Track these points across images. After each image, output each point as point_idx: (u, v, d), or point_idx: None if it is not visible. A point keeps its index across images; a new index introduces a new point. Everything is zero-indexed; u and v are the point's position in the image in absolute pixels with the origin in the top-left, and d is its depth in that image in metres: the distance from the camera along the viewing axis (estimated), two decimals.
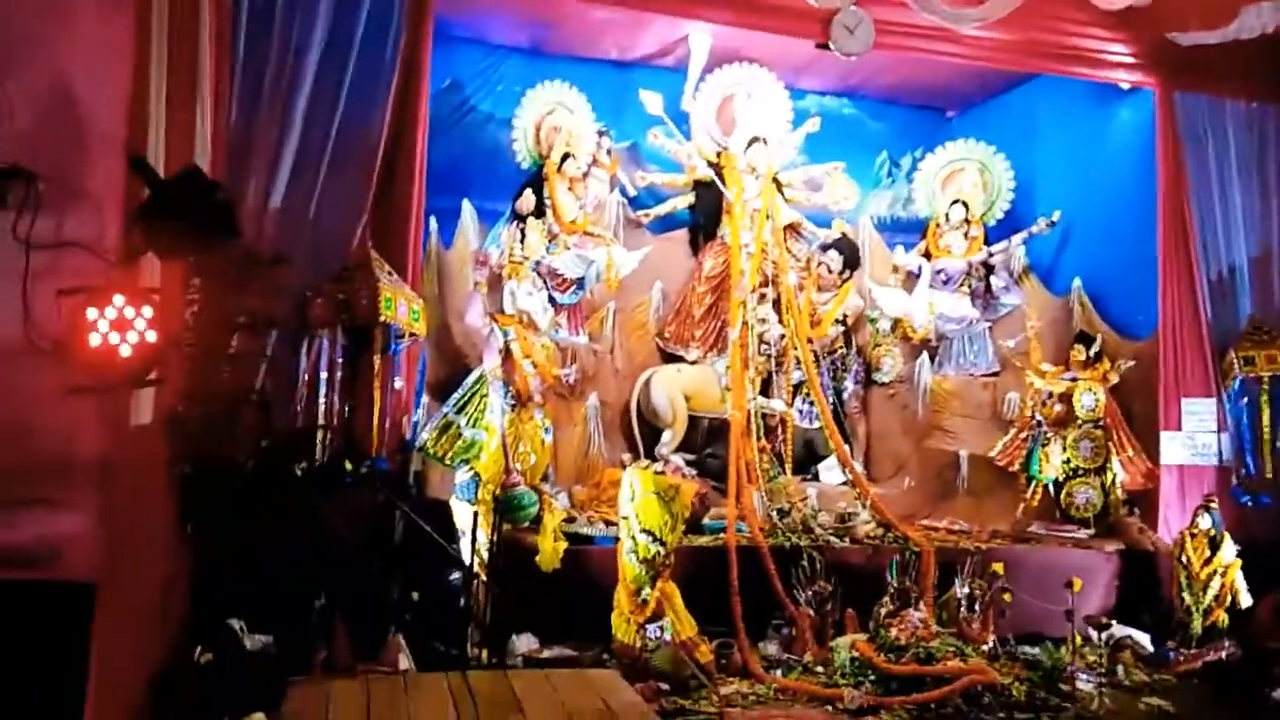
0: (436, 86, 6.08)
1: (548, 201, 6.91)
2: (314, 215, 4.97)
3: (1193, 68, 6.81)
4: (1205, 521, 5.89)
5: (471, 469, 5.62)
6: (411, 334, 5.19)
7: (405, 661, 4.30)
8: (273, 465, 3.97)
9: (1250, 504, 6.54)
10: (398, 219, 5.41)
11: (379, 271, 4.96)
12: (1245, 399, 6.70)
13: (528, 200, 6.75)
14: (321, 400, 4.79)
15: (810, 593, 5.46)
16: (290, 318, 4.76)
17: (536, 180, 6.92)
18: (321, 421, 4.75)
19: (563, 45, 7.20)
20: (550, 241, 6.82)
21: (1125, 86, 7.16)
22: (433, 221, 6.37)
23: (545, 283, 6.71)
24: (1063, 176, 7.94)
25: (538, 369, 6.00)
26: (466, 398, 5.75)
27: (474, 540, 4.99)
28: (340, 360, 4.89)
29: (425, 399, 5.73)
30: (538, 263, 6.57)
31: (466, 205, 6.83)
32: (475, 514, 5.23)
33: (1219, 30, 6.46)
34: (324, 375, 4.85)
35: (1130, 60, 6.89)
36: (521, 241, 6.31)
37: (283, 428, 4.55)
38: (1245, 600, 5.82)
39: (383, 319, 4.87)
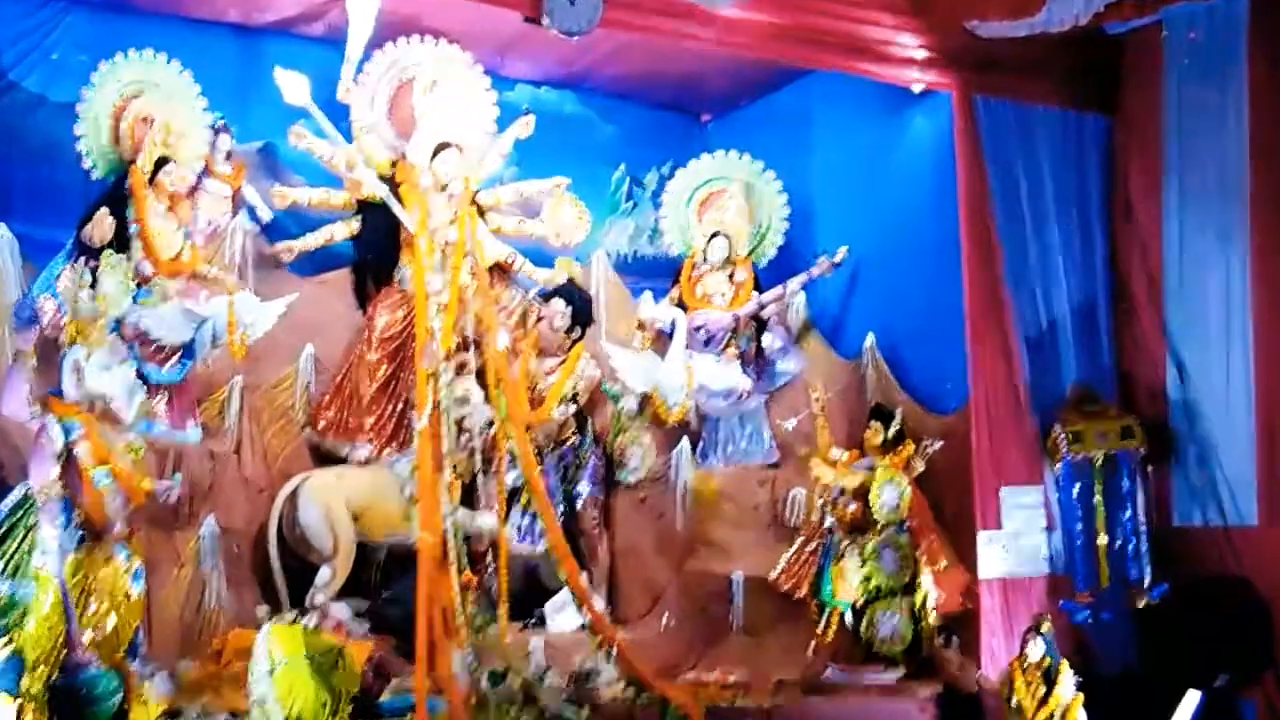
0: None
1: (134, 228, 6.68)
2: None
3: (996, 66, 7.69)
4: (1036, 649, 6.49)
5: (10, 643, 5.16)
6: None
7: None
8: None
9: (1089, 621, 7.32)
10: None
11: None
12: (1076, 485, 7.51)
13: (103, 226, 6.51)
14: None
15: None
16: None
17: (117, 196, 6.69)
18: None
19: None
20: (140, 288, 6.55)
21: (918, 89, 7.94)
22: None
23: (132, 350, 6.35)
24: (847, 202, 8.67)
25: (120, 483, 5.64)
26: (2, 532, 5.36)
27: None
28: None
29: None
30: (119, 321, 6.22)
31: (3, 232, 6.46)
32: (18, 713, 4.78)
33: (1025, 20, 7.23)
34: None
35: (922, 55, 7.66)
36: (93, 288, 5.94)
37: None
38: None
39: None
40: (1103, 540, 7.44)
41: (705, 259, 8.34)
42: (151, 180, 6.77)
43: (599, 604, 7.16)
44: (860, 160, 8.64)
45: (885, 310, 8.37)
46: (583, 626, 6.96)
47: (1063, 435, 7.55)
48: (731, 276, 8.36)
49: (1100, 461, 7.50)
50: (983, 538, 7.34)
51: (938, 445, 7.43)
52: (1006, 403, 7.58)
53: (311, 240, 7.51)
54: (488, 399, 7.23)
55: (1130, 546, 7.45)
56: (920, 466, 7.43)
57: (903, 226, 8.26)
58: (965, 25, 7.46)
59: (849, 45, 7.52)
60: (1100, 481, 7.51)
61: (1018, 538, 7.47)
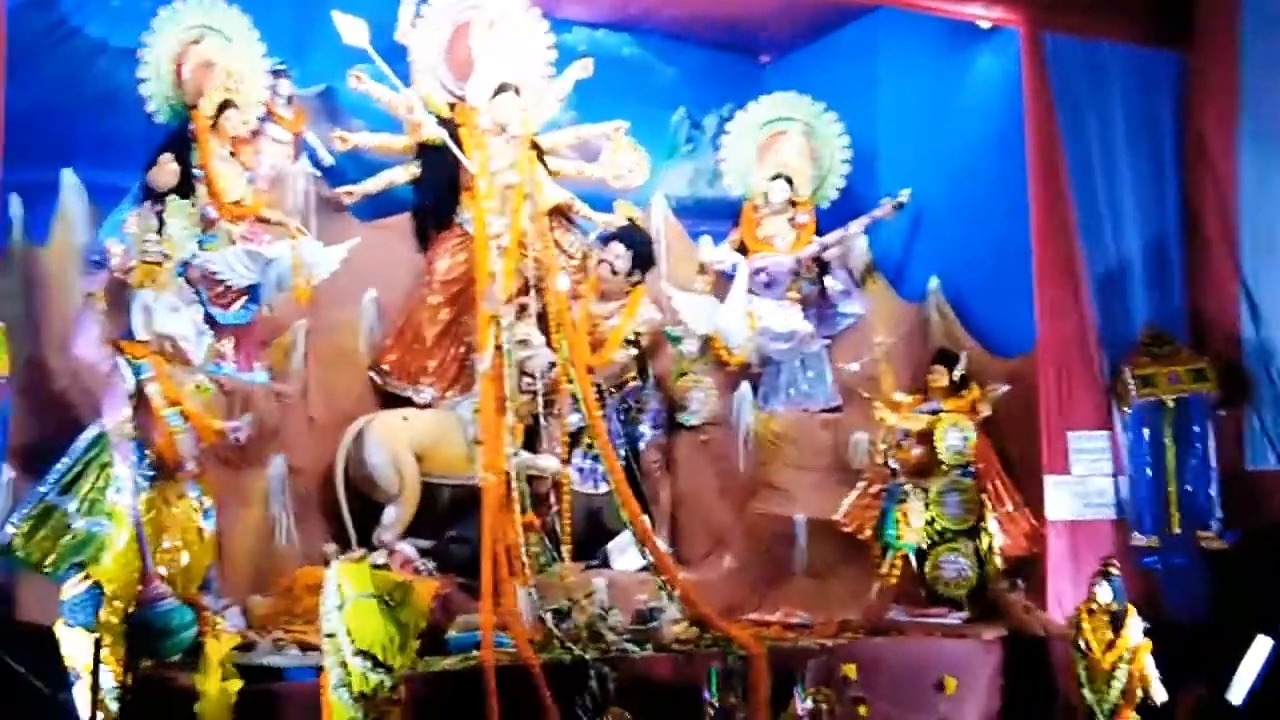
0: (14, 1, 5.82)
1: (198, 173, 6.76)
2: None
3: (1065, 1, 7.57)
4: (1105, 593, 6.45)
5: (88, 577, 5.23)
6: None
7: None
8: None
9: (1158, 567, 7.28)
10: None
11: None
12: (1146, 430, 7.45)
13: (167, 170, 6.58)
14: None
15: None
16: None
17: (180, 141, 6.76)
18: None
19: None
20: (205, 232, 6.66)
21: (985, 25, 7.85)
22: (14, 202, 6.16)
23: (199, 294, 6.49)
24: (911, 143, 8.59)
25: (190, 423, 5.78)
26: (78, 470, 5.53)
27: (95, 685, 4.70)
28: None
29: (8, 473, 5.51)
30: (186, 264, 6.35)
31: (69, 178, 6.55)
32: (96, 644, 4.92)
33: None
34: None
35: None
36: (159, 231, 6.06)
37: None
38: (1159, 694, 6.39)
39: None
40: (1173, 485, 7.37)
41: (766, 201, 8.33)
42: (214, 125, 6.85)
43: (662, 544, 7.26)
44: (924, 100, 8.56)
45: (950, 252, 8.32)
46: (645, 567, 7.07)
47: (1132, 378, 7.45)
48: (792, 219, 8.34)
49: (1171, 405, 7.42)
50: (1049, 481, 7.30)
51: (1004, 389, 7.37)
52: (1074, 345, 7.50)
53: (372, 184, 7.58)
54: (549, 342, 7.33)
55: (1201, 491, 7.36)
56: (986, 410, 7.38)
57: (968, 167, 8.19)
58: None
59: None
60: (1171, 425, 7.42)
61: (1085, 482, 7.42)
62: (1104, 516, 7.42)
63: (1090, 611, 6.47)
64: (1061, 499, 7.32)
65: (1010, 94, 7.77)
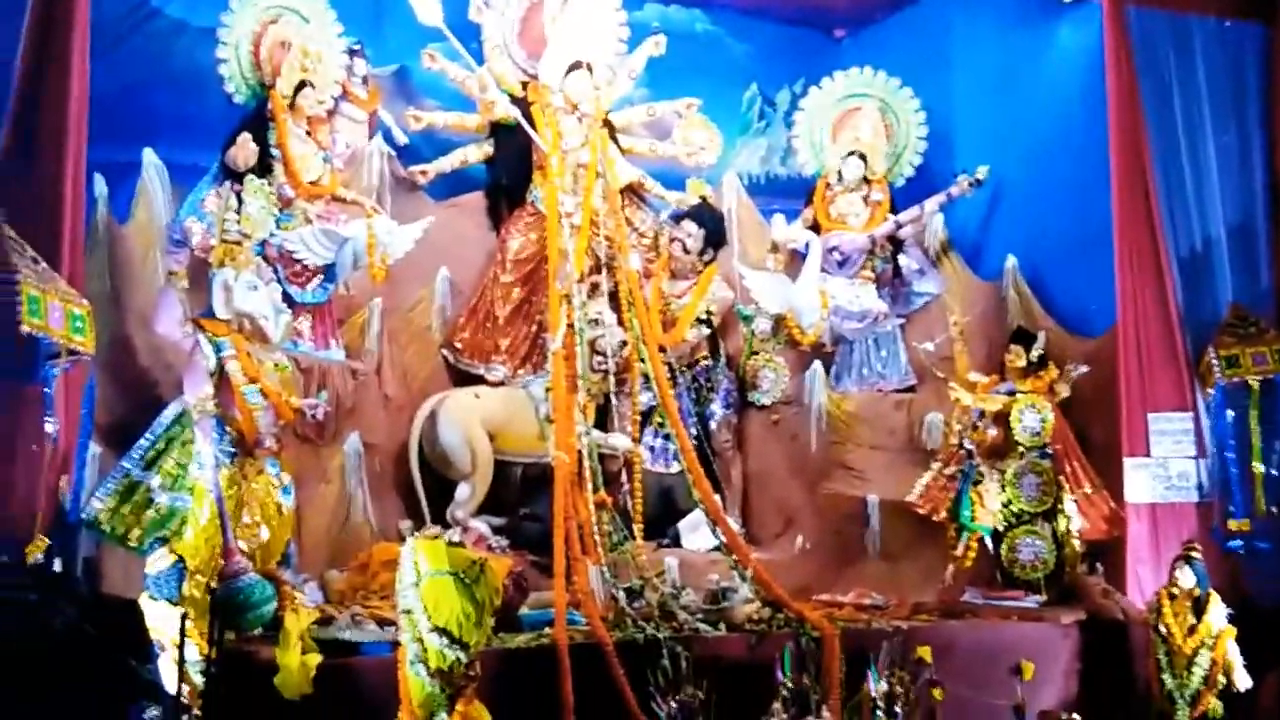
0: None
1: (276, 152, 6.84)
2: None
3: None
4: (1187, 578, 6.35)
5: (171, 551, 5.41)
6: (71, 352, 5.07)
7: None
8: None
9: (1242, 551, 7.15)
10: (44, 179, 5.31)
11: (16, 258, 4.85)
12: (1230, 411, 7.32)
13: (246, 150, 6.66)
14: None
15: (675, 703, 5.52)
16: None
17: (258, 121, 6.85)
18: None
19: None
20: (282, 211, 6.73)
21: None
22: (99, 182, 6.21)
23: (276, 272, 6.58)
24: (988, 119, 8.49)
25: (269, 400, 5.85)
26: (160, 446, 5.57)
27: (181, 658, 4.80)
28: None
29: (95, 449, 5.58)
30: (264, 243, 6.44)
31: (150, 157, 6.66)
32: (182, 618, 5.03)
33: None
34: None
35: None
36: (238, 211, 6.14)
37: None
38: (1243, 681, 6.30)
39: (25, 329, 4.76)
40: (1259, 468, 7.24)
41: (840, 179, 8.29)
42: (291, 104, 6.93)
43: (734, 524, 7.27)
44: (1003, 75, 8.46)
45: (1028, 231, 8.24)
46: (716, 546, 7.08)
47: (1217, 359, 7.31)
48: (866, 197, 8.30)
49: (1257, 386, 7.28)
50: (1129, 464, 7.20)
51: (1083, 369, 7.28)
52: (1157, 325, 7.37)
53: (445, 163, 7.65)
54: (620, 321, 7.35)
55: None
56: (1064, 391, 7.30)
57: (1047, 143, 8.09)
58: None
59: None
60: (1257, 407, 7.29)
61: (1166, 464, 7.30)
62: (1186, 499, 7.30)
63: (1172, 596, 6.39)
64: (1142, 481, 7.22)
65: (1092, 69, 7.66)
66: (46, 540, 4.73)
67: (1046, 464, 7.22)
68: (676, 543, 7.40)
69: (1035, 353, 7.36)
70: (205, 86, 6.87)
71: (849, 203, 8.28)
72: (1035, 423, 7.22)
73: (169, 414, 5.67)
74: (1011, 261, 8.14)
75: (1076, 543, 7.11)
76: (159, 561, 5.43)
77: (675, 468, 7.42)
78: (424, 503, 6.92)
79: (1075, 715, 6.06)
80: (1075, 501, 7.20)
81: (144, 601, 5.26)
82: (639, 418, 7.48)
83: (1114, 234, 7.41)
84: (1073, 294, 7.93)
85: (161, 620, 5.14)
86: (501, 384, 7.45)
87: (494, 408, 7.21)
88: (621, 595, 6.30)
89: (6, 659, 4.13)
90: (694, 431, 7.44)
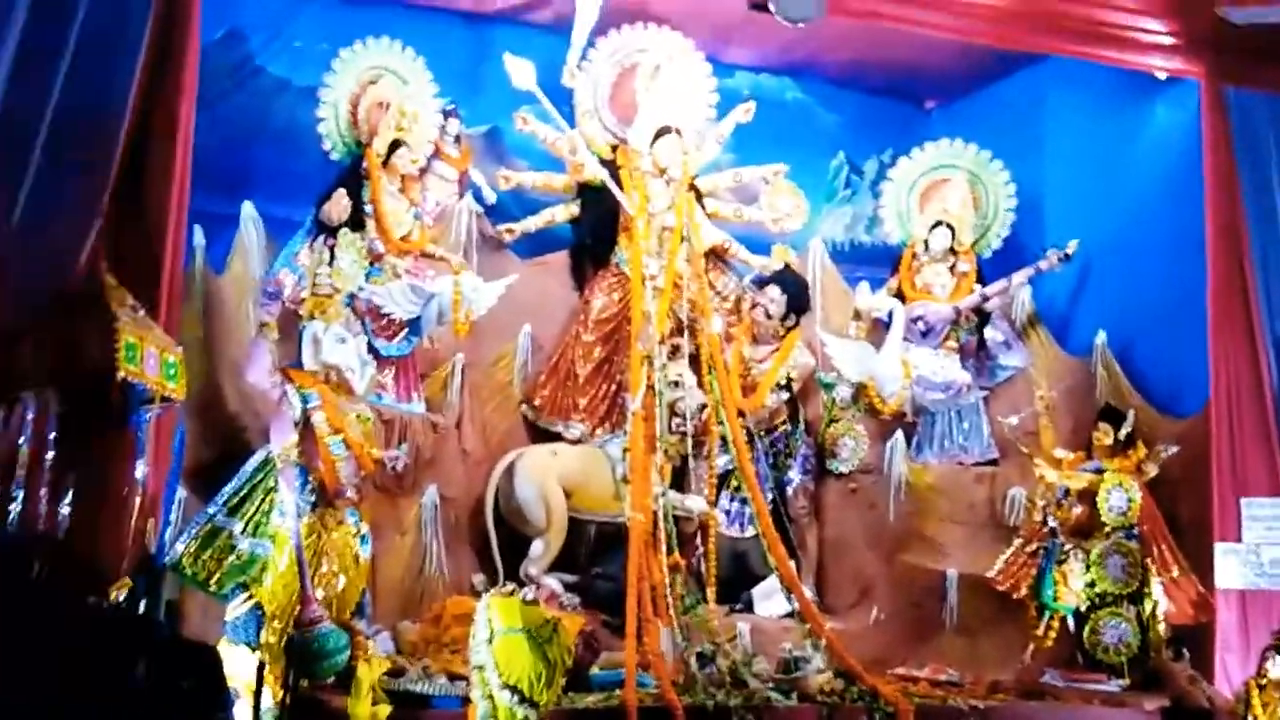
0: (208, 38, 6.09)
1: (368, 208, 6.97)
2: (19, 222, 4.88)
3: (1251, 55, 7.38)
4: (1277, 668, 6.18)
5: (251, 598, 5.52)
6: (164, 398, 5.12)
7: None
8: None
9: None
10: (146, 229, 5.39)
11: (117, 305, 4.91)
12: None
13: (340, 206, 6.79)
14: (25, 495, 4.64)
15: None
16: None
17: (353, 177, 6.99)
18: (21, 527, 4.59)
19: None
20: (372, 265, 6.85)
21: (1162, 76, 7.69)
22: (198, 233, 6.35)
23: (364, 325, 6.71)
24: (1079, 193, 8.42)
25: (352, 450, 5.93)
26: (244, 493, 5.67)
27: (257, 704, 4.86)
28: (55, 434, 4.77)
29: (182, 493, 5.63)
30: (353, 296, 6.55)
31: (249, 210, 6.83)
32: (259, 664, 5.10)
33: None
34: (25, 457, 4.71)
35: (1169, 41, 7.42)
36: (330, 264, 6.28)
37: None
38: None
39: (122, 374, 4.80)
40: None
41: (926, 249, 8.26)
42: (385, 162, 7.07)
43: (809, 592, 7.19)
44: (1095, 150, 8.40)
45: (1118, 306, 8.14)
46: (790, 614, 7.01)
47: None
48: (953, 268, 8.25)
49: None
50: (1220, 549, 7.00)
51: (1173, 450, 7.16)
52: (1251, 406, 7.24)
53: (533, 222, 7.74)
54: (701, 384, 7.36)
55: None
56: (1152, 471, 7.17)
57: (1140, 219, 8.00)
58: (1217, 10, 7.21)
59: (1089, 30, 7.37)
60: None
61: (1258, 550, 7.08)
62: (1278, 587, 7.08)
63: (1261, 686, 6.21)
64: (1232, 567, 7.01)
65: (1187, 146, 7.60)
66: (130, 582, 4.79)
67: (1133, 545, 7.07)
68: (749, 608, 7.34)
69: (1123, 431, 7.25)
70: (303, 143, 7.03)
71: (935, 273, 8.24)
72: (1122, 502, 7.09)
73: (254, 461, 5.78)
74: (1101, 337, 8.06)
75: (1162, 627, 6.95)
76: (238, 607, 5.54)
77: (750, 532, 7.37)
78: (498, 557, 6.95)
79: None
80: (1162, 584, 7.03)
81: (223, 647, 5.32)
82: (715, 481, 7.45)
83: (1208, 312, 7.31)
84: (1163, 372, 7.82)
85: (240, 666, 5.20)
86: (579, 442, 7.48)
87: (571, 465, 7.24)
88: (693, 659, 6.25)
89: (89, 701, 4.20)
90: (770, 497, 7.38)
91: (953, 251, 8.23)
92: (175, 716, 4.32)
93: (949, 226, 8.20)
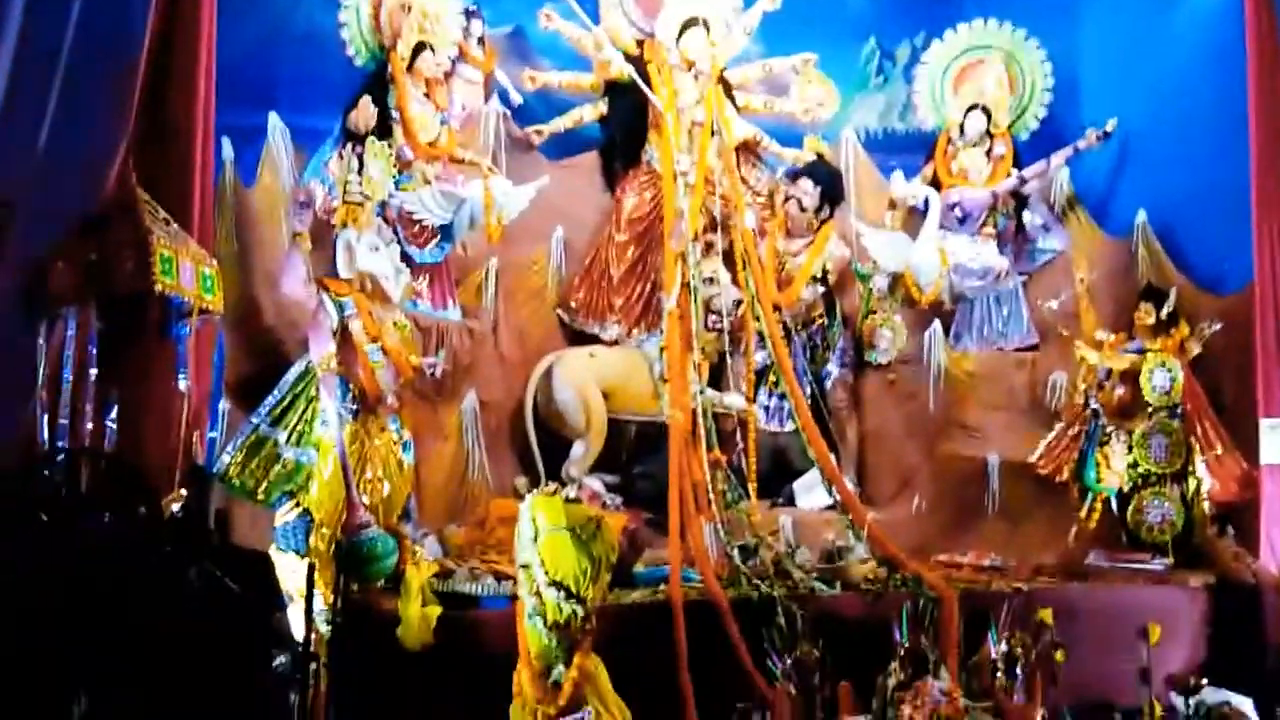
0: None
1: (395, 114, 6.93)
2: (46, 139, 4.90)
3: None
4: None
5: (298, 505, 5.61)
6: (202, 310, 5.17)
7: None
8: None
9: None
10: (174, 143, 5.38)
11: (150, 220, 4.93)
12: None
13: (366, 113, 6.75)
14: (72, 411, 4.71)
15: (790, 662, 5.52)
16: (17, 290, 4.72)
17: (378, 83, 6.94)
18: (69, 442, 4.67)
19: None
20: (401, 172, 6.82)
21: None
22: (226, 145, 6.34)
23: (396, 232, 6.69)
24: (1118, 71, 8.22)
25: (390, 358, 5.96)
26: (287, 403, 5.73)
27: (309, 608, 4.93)
28: (96, 351, 4.83)
29: (225, 405, 5.74)
30: (384, 204, 6.54)
31: (275, 121, 6.80)
32: (310, 569, 5.19)
33: None
34: (70, 373, 4.78)
35: None
36: (359, 173, 6.25)
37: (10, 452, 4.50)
38: None
39: (158, 288, 4.85)
40: None
41: (961, 133, 8.12)
42: (409, 66, 7.01)
43: (850, 484, 7.23)
44: (1133, 24, 8.14)
45: (1158, 185, 7.98)
46: (831, 506, 7.07)
47: None
48: (989, 151, 8.12)
49: None
50: (1265, 424, 6.92)
51: (1216, 327, 7.09)
52: None
53: (560, 123, 7.69)
54: (735, 280, 7.33)
55: None
56: (1196, 349, 7.11)
57: (1180, 95, 7.79)
58: None
59: None
60: None
61: None
62: None
63: None
64: (1277, 442, 6.98)
65: (1229, 16, 7.32)
66: (184, 493, 4.88)
67: (1176, 424, 7.05)
68: (791, 502, 7.40)
69: (1166, 310, 7.19)
70: (327, 49, 6.95)
71: (971, 158, 8.12)
72: (1165, 382, 7.06)
73: (294, 372, 5.83)
74: (1141, 216, 7.94)
75: (1206, 505, 6.95)
76: (286, 515, 5.65)
77: (789, 427, 7.40)
78: (539, 460, 7.01)
79: (1204, 680, 5.92)
80: (1206, 463, 7.01)
81: (273, 553, 5.43)
82: (753, 377, 7.45)
83: (1252, 188, 7.12)
84: (1206, 249, 7.69)
85: (290, 572, 5.29)
86: (616, 343, 7.51)
87: (609, 367, 7.27)
88: (736, 553, 6.33)
89: (145, 608, 4.30)
90: (809, 391, 7.40)
91: (989, 135, 8.09)
92: (230, 621, 4.42)
93: (984, 110, 8.06)
